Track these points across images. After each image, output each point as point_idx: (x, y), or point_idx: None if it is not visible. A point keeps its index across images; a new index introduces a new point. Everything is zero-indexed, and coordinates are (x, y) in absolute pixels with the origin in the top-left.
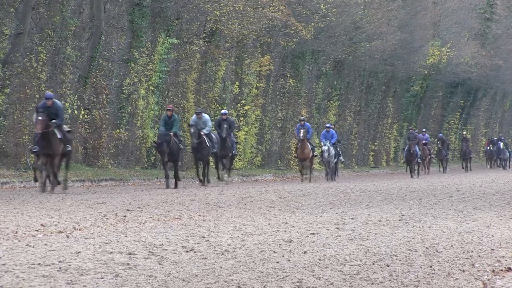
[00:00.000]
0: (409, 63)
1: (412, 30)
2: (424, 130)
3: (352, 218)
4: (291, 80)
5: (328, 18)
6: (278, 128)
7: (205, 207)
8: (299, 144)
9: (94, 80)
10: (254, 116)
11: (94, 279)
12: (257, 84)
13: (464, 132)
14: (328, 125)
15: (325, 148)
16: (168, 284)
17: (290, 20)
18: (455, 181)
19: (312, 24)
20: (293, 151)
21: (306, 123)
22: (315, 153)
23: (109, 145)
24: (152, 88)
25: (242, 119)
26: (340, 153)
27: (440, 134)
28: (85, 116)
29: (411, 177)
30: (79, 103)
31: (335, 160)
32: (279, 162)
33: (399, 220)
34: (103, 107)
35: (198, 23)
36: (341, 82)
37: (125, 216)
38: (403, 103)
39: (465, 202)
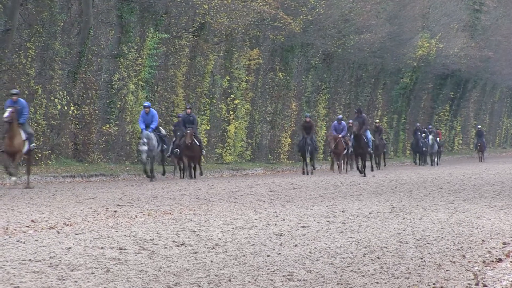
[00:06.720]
0: (398, 55)
1: (401, 22)
2: (340, 117)
3: (342, 211)
4: (280, 73)
5: (317, 11)
6: (268, 121)
7: (195, 201)
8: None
9: (83, 75)
10: (244, 109)
11: (85, 275)
12: (247, 78)
13: (377, 120)
14: (146, 103)
15: (144, 140)
16: (159, 278)
17: (279, 13)
18: (445, 173)
19: (301, 17)
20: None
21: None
22: (33, 145)
23: (99, 141)
24: (142, 83)
25: (232, 113)
26: (165, 139)
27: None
28: (75, 111)
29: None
30: (68, 98)
31: (159, 149)
32: (269, 156)
33: (390, 212)
34: (93, 102)
35: (187, 17)
36: (331, 75)
37: (115, 211)
38: (392, 96)
39: (456, 193)
